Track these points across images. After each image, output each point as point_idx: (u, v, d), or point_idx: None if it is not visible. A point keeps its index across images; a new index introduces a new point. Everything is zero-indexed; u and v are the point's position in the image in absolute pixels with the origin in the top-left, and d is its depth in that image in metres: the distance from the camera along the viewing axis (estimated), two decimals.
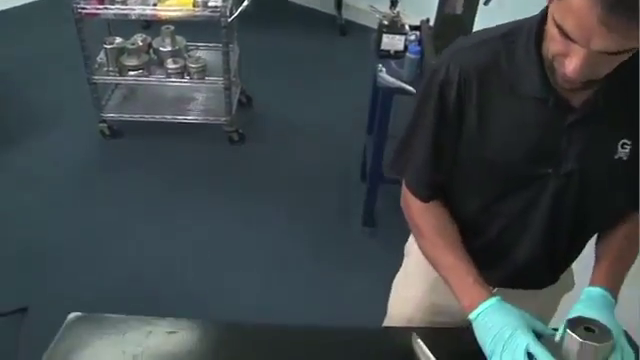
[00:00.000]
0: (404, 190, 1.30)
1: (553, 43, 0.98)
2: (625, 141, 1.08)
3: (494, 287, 1.31)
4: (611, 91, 1.04)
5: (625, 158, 1.09)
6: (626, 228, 1.24)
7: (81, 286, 2.70)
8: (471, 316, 1.11)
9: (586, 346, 0.99)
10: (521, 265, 1.27)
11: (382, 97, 2.74)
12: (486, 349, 1.06)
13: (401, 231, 1.45)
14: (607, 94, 1.04)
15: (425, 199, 1.26)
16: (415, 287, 1.44)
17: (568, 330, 1.02)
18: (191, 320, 1.34)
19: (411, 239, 1.49)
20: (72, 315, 1.32)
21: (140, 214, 3.20)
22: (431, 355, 1.19)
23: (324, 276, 2.82)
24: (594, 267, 1.22)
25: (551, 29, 0.96)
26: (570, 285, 1.43)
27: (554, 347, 1.03)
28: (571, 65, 0.94)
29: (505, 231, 1.24)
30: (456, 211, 1.28)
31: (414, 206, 1.28)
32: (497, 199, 1.20)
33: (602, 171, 1.11)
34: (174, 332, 1.28)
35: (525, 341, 1.01)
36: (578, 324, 1.03)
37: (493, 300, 1.11)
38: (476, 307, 1.10)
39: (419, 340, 1.23)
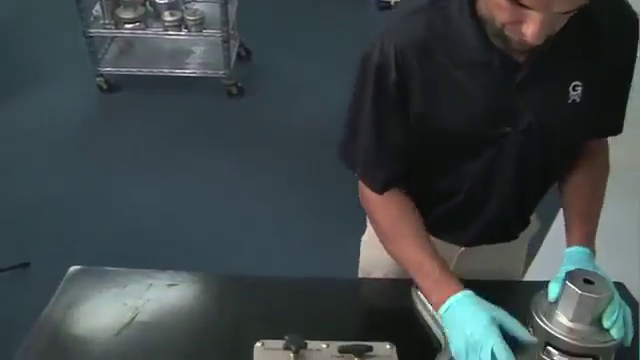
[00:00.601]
0: (360, 184, 1.22)
1: (500, 12, 0.92)
2: (576, 83, 1.06)
3: (467, 246, 1.33)
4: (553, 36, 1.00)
5: (578, 100, 1.07)
6: (590, 176, 1.23)
7: (81, 241, 2.71)
8: (440, 311, 1.05)
9: (585, 298, 0.99)
10: (491, 222, 1.26)
11: None
12: (453, 347, 1.02)
13: None
14: (550, 41, 1.01)
15: (380, 191, 1.19)
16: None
17: (567, 282, 1.01)
18: (191, 273, 1.34)
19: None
20: (73, 268, 1.32)
21: (139, 169, 3.20)
22: (431, 307, 1.19)
23: (324, 230, 2.83)
24: (568, 225, 1.20)
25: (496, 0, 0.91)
26: (535, 227, 1.41)
27: (522, 348, 1.00)
28: (529, 31, 0.89)
29: (472, 192, 1.21)
30: (419, 181, 1.22)
31: (371, 199, 1.20)
32: (460, 164, 1.16)
33: (559, 119, 1.09)
34: (174, 284, 1.29)
35: (490, 342, 0.96)
36: (577, 276, 1.03)
37: (460, 295, 1.03)
38: (443, 303, 1.04)
39: (419, 292, 1.23)
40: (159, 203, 3.00)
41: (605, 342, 1.00)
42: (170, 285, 1.29)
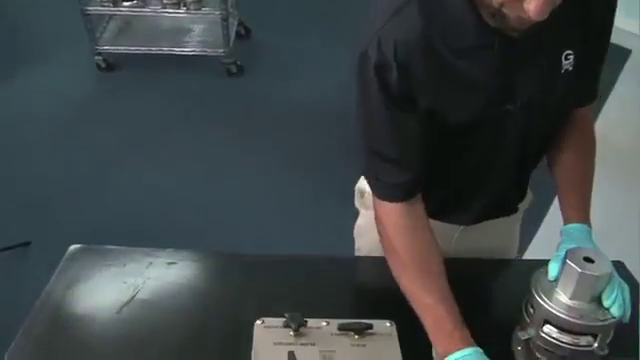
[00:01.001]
0: (377, 205, 1.14)
1: None
2: (568, 52, 1.05)
3: (467, 225, 1.32)
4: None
5: (571, 68, 1.06)
6: (581, 153, 1.23)
7: (81, 220, 2.71)
8: None
9: (585, 276, 0.99)
10: (492, 199, 1.25)
11: None
12: None
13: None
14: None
15: (403, 198, 1.11)
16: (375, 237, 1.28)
17: (567, 260, 1.01)
18: (191, 251, 1.35)
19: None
20: (73, 247, 1.32)
21: (138, 148, 3.19)
22: None
23: (323, 208, 2.83)
24: (564, 203, 1.19)
25: None
26: (529, 198, 1.40)
27: None
28: (532, 7, 0.86)
29: (474, 173, 1.20)
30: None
31: (389, 223, 1.12)
32: (461, 147, 1.15)
33: (556, 90, 1.08)
34: (174, 263, 1.29)
35: None
36: (577, 254, 1.03)
37: (467, 351, 0.98)
38: (450, 355, 1.00)
39: None
40: (159, 182, 2.99)
41: (604, 320, 1.00)
42: (170, 263, 1.29)
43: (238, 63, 3.69)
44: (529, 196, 1.38)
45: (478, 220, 1.30)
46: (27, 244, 2.60)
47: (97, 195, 2.90)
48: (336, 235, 2.65)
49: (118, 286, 1.22)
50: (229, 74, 3.68)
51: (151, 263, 1.28)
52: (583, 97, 1.20)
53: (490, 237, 1.36)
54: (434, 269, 1.08)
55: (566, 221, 1.17)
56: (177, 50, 3.65)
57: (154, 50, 3.63)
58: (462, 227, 1.33)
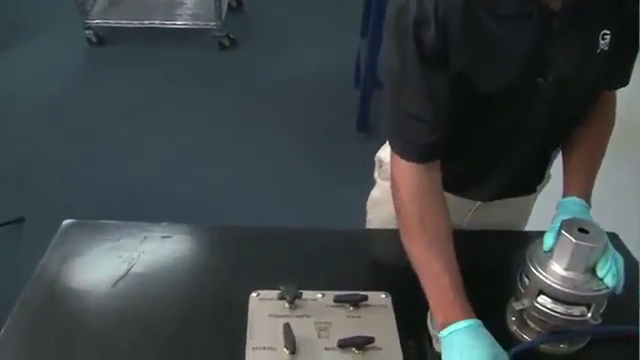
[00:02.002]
0: (394, 165, 1.13)
1: None
2: (605, 32, 1.04)
3: (485, 201, 1.32)
4: None
5: (606, 48, 1.05)
6: (595, 129, 1.21)
7: (76, 196, 2.70)
8: (441, 333, 1.01)
9: (579, 247, 1.00)
10: (513, 176, 1.24)
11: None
12: None
13: (385, 139, 1.41)
14: None
15: (424, 159, 1.10)
16: (390, 209, 1.28)
17: (562, 231, 1.02)
18: (185, 225, 1.34)
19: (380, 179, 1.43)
20: (66, 222, 1.32)
21: (131, 123, 3.17)
22: None
23: (319, 182, 2.83)
24: (567, 176, 1.18)
25: None
26: (547, 179, 1.40)
27: None
28: None
29: (497, 146, 1.19)
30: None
31: (404, 183, 1.11)
32: (487, 117, 1.13)
33: (589, 68, 1.07)
34: (169, 237, 1.29)
35: None
36: (572, 225, 1.03)
37: (466, 323, 0.98)
38: (448, 325, 1.00)
39: None
40: (152, 157, 2.98)
41: (598, 290, 1.00)
42: (165, 237, 1.29)
43: (231, 36, 3.65)
44: (548, 178, 1.38)
45: (495, 197, 1.29)
46: (21, 220, 2.59)
47: (91, 171, 2.89)
48: (332, 205, 2.67)
49: (113, 260, 1.22)
50: (222, 47, 3.65)
51: (146, 237, 1.28)
52: (615, 80, 1.18)
53: (504, 214, 1.35)
54: (443, 237, 1.08)
55: (565, 193, 1.16)
56: (169, 23, 3.61)
57: (146, 24, 3.59)
58: (478, 203, 1.33)
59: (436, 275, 1.04)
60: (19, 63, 3.49)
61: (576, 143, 1.21)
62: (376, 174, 1.47)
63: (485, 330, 0.99)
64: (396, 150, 1.12)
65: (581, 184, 1.16)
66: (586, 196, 1.14)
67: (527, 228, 1.49)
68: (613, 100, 1.24)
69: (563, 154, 1.23)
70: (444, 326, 0.99)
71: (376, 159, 1.45)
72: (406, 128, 1.09)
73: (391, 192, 1.14)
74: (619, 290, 1.01)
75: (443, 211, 1.10)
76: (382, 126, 1.14)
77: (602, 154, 1.21)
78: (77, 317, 1.11)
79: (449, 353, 0.97)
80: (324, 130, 3.11)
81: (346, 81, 3.35)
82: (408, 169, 1.10)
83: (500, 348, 0.97)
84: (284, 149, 3.04)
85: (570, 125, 1.21)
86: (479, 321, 0.99)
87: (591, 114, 1.21)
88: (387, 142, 1.31)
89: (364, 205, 1.54)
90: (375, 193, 1.48)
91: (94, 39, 3.63)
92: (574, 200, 1.13)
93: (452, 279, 1.03)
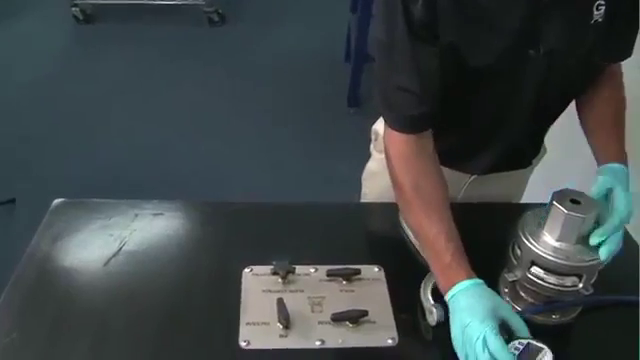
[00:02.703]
0: (387, 136, 1.14)
1: None
2: (600, 2, 1.02)
3: (479, 174, 1.31)
4: None
5: (600, 20, 1.04)
6: (613, 107, 1.20)
7: (66, 175, 2.69)
8: (445, 298, 1.01)
9: (571, 217, 1.00)
10: (507, 149, 1.24)
11: None
12: (452, 333, 0.98)
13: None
14: None
15: (417, 129, 1.10)
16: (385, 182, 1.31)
17: (554, 202, 1.02)
18: (177, 202, 1.34)
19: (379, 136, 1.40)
20: (57, 201, 1.31)
21: (121, 101, 3.15)
22: None
23: (310, 157, 2.82)
24: (600, 143, 1.17)
25: None
26: (543, 152, 1.40)
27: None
28: None
29: (490, 118, 1.18)
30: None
31: (396, 153, 1.12)
32: (479, 89, 1.12)
33: (582, 40, 1.06)
34: (160, 214, 1.28)
35: (482, 331, 0.91)
36: (564, 196, 1.03)
37: (467, 283, 0.98)
38: (450, 289, 1.00)
39: None
40: (143, 134, 2.96)
41: (589, 260, 1.01)
42: (156, 215, 1.28)
43: (220, 11, 3.62)
44: (543, 151, 1.38)
45: (488, 171, 1.29)
46: (12, 201, 2.58)
47: (82, 150, 2.87)
48: (324, 180, 2.67)
49: (104, 238, 1.21)
50: (211, 23, 3.61)
51: (137, 215, 1.27)
52: (614, 51, 1.16)
53: (499, 187, 1.36)
54: (438, 202, 1.07)
55: (606, 160, 1.13)
56: (156, 0, 3.57)
57: (133, 0, 3.54)
58: (473, 176, 1.33)
59: (433, 240, 1.04)
60: (2, 42, 3.44)
61: (597, 125, 1.20)
62: (372, 146, 1.47)
63: (487, 288, 0.99)
64: (386, 121, 1.12)
65: (613, 151, 1.14)
66: (622, 160, 1.13)
67: (522, 201, 1.49)
68: (620, 76, 1.22)
69: (588, 139, 1.21)
70: (446, 290, 0.99)
71: (372, 131, 1.45)
72: (395, 100, 1.09)
73: (387, 161, 1.15)
74: (608, 258, 1.01)
75: (437, 177, 1.11)
76: (374, 99, 1.13)
77: (623, 130, 1.19)
78: (69, 296, 1.10)
79: (454, 316, 0.97)
80: (315, 106, 3.09)
81: (337, 55, 3.33)
82: (399, 138, 1.10)
83: (504, 303, 0.98)
84: (274, 125, 3.03)
85: (564, 101, 1.20)
86: (481, 280, 0.99)
87: (603, 94, 1.19)
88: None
89: (355, 180, 1.54)
90: (370, 165, 1.49)
91: (81, 16, 3.58)
92: (619, 168, 1.11)
93: (448, 242, 1.02)
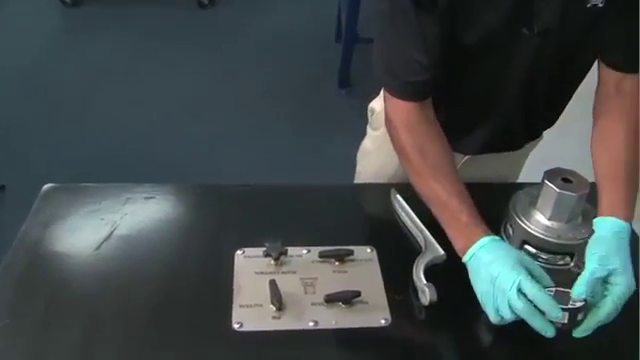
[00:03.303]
0: (388, 104, 1.14)
1: None
2: None
3: (473, 154, 1.31)
4: None
5: (600, 5, 1.03)
6: (624, 124, 1.10)
7: (56, 161, 2.67)
8: (464, 259, 1.00)
9: (563, 196, 1.00)
10: (498, 130, 1.24)
11: None
12: (477, 290, 0.97)
13: (377, 91, 1.41)
14: None
15: (420, 97, 1.11)
16: (380, 160, 1.35)
17: (546, 181, 1.02)
18: (168, 185, 1.33)
19: (378, 109, 1.40)
20: (47, 186, 1.30)
21: (110, 84, 3.12)
22: (410, 210, 1.20)
23: (302, 139, 2.81)
24: (597, 188, 1.06)
25: None
26: (539, 139, 1.40)
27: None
28: None
29: (482, 96, 1.18)
30: None
31: (400, 122, 1.12)
32: (471, 66, 1.12)
33: (577, 21, 1.05)
34: (152, 197, 1.27)
35: (516, 277, 0.91)
36: (555, 175, 1.03)
37: (486, 239, 0.98)
38: (468, 249, 0.99)
39: (398, 195, 1.24)
40: (134, 119, 2.94)
41: (581, 239, 1.01)
42: (148, 198, 1.27)
43: None
44: (541, 137, 1.37)
45: (482, 151, 1.29)
46: (1, 188, 2.56)
47: (71, 135, 2.85)
48: (316, 161, 2.67)
49: (95, 223, 1.21)
50: (200, 6, 3.58)
51: (128, 199, 1.27)
52: (622, 59, 1.11)
53: (493, 169, 1.36)
54: (445, 164, 1.09)
55: (604, 213, 1.02)
56: None
57: None
58: (467, 157, 1.32)
59: (446, 202, 1.04)
60: None
61: (601, 142, 1.12)
62: (368, 125, 1.47)
63: (503, 243, 0.99)
64: (388, 89, 1.13)
65: (612, 198, 1.04)
66: (625, 215, 1.01)
67: (518, 180, 1.49)
68: (634, 95, 1.11)
69: (592, 162, 1.13)
70: (465, 250, 0.99)
71: (368, 109, 1.45)
72: (399, 68, 1.09)
73: (388, 133, 1.15)
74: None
75: (441, 140, 1.12)
76: (373, 70, 1.13)
77: (636, 157, 1.09)
78: (61, 281, 1.10)
79: (479, 273, 0.97)
80: (306, 88, 3.08)
81: (328, 36, 3.31)
82: (402, 106, 1.11)
83: (526, 255, 0.99)
84: (266, 107, 3.01)
85: (559, 89, 1.19)
86: (497, 237, 0.99)
87: (614, 106, 1.13)
88: (379, 94, 1.30)
89: (347, 160, 1.53)
90: (366, 143, 1.49)
91: (68, 0, 3.53)
92: (607, 220, 1.00)
93: (462, 204, 1.03)
